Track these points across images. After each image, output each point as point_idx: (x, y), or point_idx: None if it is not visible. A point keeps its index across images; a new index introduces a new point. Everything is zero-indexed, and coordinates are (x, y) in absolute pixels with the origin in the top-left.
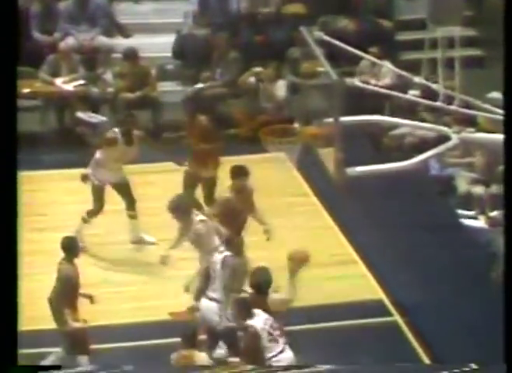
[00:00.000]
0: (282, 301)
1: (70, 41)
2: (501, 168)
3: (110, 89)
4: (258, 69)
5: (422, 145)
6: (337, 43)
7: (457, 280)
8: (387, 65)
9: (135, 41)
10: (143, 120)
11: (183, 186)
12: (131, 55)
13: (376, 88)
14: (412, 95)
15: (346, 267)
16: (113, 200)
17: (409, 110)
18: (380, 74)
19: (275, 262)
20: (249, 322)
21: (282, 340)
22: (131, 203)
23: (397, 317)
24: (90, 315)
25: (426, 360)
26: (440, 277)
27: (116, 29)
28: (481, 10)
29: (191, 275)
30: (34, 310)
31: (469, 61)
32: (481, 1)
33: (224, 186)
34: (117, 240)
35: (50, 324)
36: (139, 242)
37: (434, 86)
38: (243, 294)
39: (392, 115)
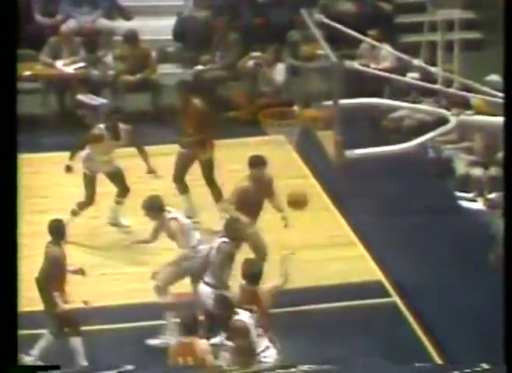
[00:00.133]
0: (272, 290)
1: (71, 24)
2: (500, 150)
3: (111, 72)
4: (256, 54)
5: (421, 128)
6: (337, 25)
7: (455, 262)
8: (387, 48)
9: (136, 24)
10: (143, 103)
11: (175, 167)
12: (131, 38)
13: (375, 71)
14: (411, 77)
15: (345, 249)
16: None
17: (408, 93)
18: (379, 58)
19: (275, 244)
20: (236, 317)
21: (266, 337)
22: (123, 191)
23: (396, 298)
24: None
25: (425, 341)
26: (439, 258)
27: (117, 11)
28: None
29: (161, 263)
30: (34, 291)
31: (468, 44)
32: None
33: (223, 169)
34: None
35: None
36: (116, 224)
37: (433, 69)
38: (224, 292)
39: (391, 98)
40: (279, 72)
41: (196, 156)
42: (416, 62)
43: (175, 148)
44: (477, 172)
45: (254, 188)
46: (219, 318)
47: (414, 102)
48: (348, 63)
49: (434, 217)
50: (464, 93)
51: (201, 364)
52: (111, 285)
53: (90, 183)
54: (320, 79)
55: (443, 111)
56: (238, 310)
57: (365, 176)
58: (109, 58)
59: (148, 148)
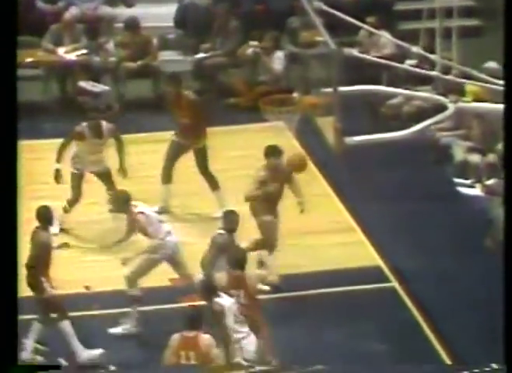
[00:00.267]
0: (260, 277)
1: (73, 11)
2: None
3: (112, 59)
4: (254, 42)
5: (420, 115)
6: (336, 12)
7: (453, 247)
8: (385, 35)
9: (137, 11)
10: (144, 89)
11: (166, 155)
12: (132, 25)
13: (374, 59)
14: (410, 64)
15: (344, 234)
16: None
17: (407, 80)
18: (379, 45)
19: None
20: (216, 300)
21: (247, 324)
22: (111, 190)
23: (394, 283)
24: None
25: (424, 325)
26: (437, 244)
27: None
28: None
29: (134, 252)
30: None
31: (467, 31)
32: None
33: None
34: None
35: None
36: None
37: (431, 56)
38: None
39: (390, 85)
40: (278, 60)
41: (189, 146)
42: (415, 49)
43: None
44: (475, 158)
45: (271, 177)
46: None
47: (413, 89)
48: (347, 50)
49: (432, 204)
50: (462, 80)
51: (205, 359)
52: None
53: (77, 181)
54: (319, 66)
55: (441, 98)
56: (222, 294)
57: (364, 162)
58: (110, 45)
59: (148, 135)
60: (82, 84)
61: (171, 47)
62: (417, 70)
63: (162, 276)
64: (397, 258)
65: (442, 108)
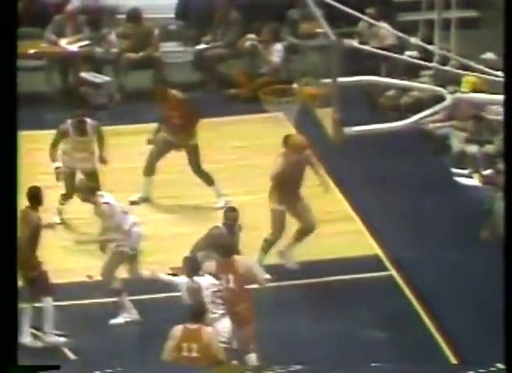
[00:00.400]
0: (247, 264)
1: (76, 2)
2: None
3: (114, 50)
4: (252, 35)
5: (418, 105)
6: (335, 4)
7: (451, 237)
8: (385, 26)
9: (139, 2)
10: (145, 80)
11: (152, 150)
12: (134, 16)
13: (373, 50)
14: (409, 56)
15: (343, 224)
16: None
17: (406, 71)
18: (378, 36)
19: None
20: (195, 278)
21: (223, 308)
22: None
23: (393, 272)
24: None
25: (422, 313)
26: (435, 233)
27: None
28: None
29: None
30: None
31: (465, 22)
32: None
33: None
34: None
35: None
36: None
37: (430, 47)
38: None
39: (389, 76)
40: (276, 53)
41: (178, 144)
42: (414, 40)
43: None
44: (472, 149)
45: (290, 167)
46: None
47: (411, 80)
48: (346, 41)
49: (430, 193)
50: (460, 71)
51: (206, 351)
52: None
53: (68, 178)
54: (319, 57)
55: (439, 89)
56: (206, 275)
57: (363, 152)
58: (112, 36)
59: (148, 125)
60: (84, 75)
61: (172, 38)
62: (416, 61)
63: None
64: (395, 247)
65: (440, 99)
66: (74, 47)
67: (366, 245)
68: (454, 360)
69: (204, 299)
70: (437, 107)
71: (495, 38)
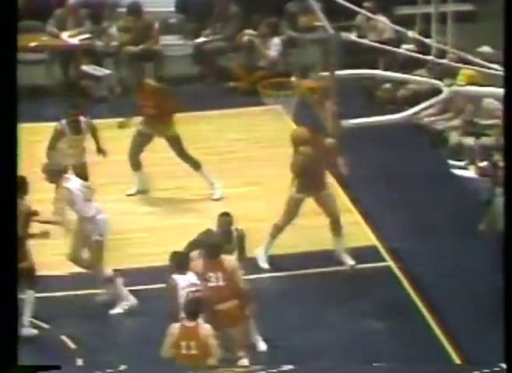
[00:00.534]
0: (234, 265)
1: None
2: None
3: (115, 43)
4: (250, 31)
5: (415, 98)
6: None
7: (447, 227)
8: (382, 20)
9: None
10: (146, 73)
11: (131, 144)
12: (135, 9)
13: (370, 43)
14: (406, 49)
15: (341, 215)
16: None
17: (403, 64)
18: (376, 29)
19: (271, 211)
20: (174, 276)
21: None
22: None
23: (390, 262)
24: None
25: (419, 302)
26: (431, 224)
27: None
28: None
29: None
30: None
31: (461, 16)
32: None
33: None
34: None
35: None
36: None
37: (427, 40)
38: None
39: (387, 69)
40: (274, 47)
41: (154, 135)
42: (411, 34)
43: (177, 117)
44: (469, 141)
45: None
46: None
47: (408, 73)
48: (344, 34)
49: (427, 185)
50: (457, 64)
51: (204, 348)
52: None
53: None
54: (317, 50)
55: (436, 82)
56: (190, 274)
57: (360, 145)
58: (113, 30)
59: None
60: (85, 68)
61: (172, 31)
62: (413, 54)
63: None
64: (392, 238)
65: (437, 91)
66: (75, 41)
67: (364, 236)
68: (450, 350)
69: (179, 299)
70: (434, 100)
71: (491, 31)
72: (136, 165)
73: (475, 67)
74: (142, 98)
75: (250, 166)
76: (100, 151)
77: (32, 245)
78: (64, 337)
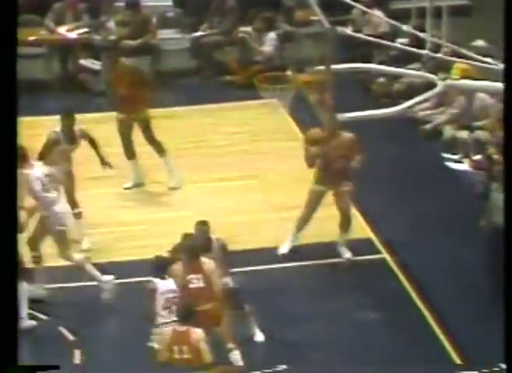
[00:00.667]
0: (213, 268)
1: None
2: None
3: (113, 37)
4: (244, 28)
5: (410, 92)
6: None
7: (442, 220)
8: (378, 14)
9: None
10: (143, 67)
11: (118, 132)
12: (132, 3)
13: (366, 37)
14: (401, 43)
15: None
16: None
17: (398, 58)
18: (372, 23)
19: (268, 204)
20: (152, 279)
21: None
22: (70, 198)
23: (385, 255)
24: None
25: (413, 294)
26: (426, 216)
27: None
28: None
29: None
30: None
31: (456, 10)
32: None
33: (221, 132)
34: None
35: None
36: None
37: (422, 35)
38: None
39: (382, 63)
40: (268, 42)
41: (132, 119)
42: (405, 28)
43: (173, 111)
44: (463, 134)
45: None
46: None
47: (403, 67)
48: (340, 29)
49: (422, 178)
50: (451, 58)
51: (196, 352)
52: None
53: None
54: (313, 44)
55: (430, 75)
56: (169, 279)
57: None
58: (111, 24)
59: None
60: (83, 62)
61: (170, 25)
62: (408, 48)
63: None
64: (387, 230)
65: (432, 85)
66: (73, 35)
67: (360, 228)
68: (445, 341)
69: (156, 302)
70: (428, 94)
71: (485, 25)
72: (130, 153)
73: (469, 61)
74: (116, 77)
75: (246, 159)
76: (104, 163)
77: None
78: (62, 328)
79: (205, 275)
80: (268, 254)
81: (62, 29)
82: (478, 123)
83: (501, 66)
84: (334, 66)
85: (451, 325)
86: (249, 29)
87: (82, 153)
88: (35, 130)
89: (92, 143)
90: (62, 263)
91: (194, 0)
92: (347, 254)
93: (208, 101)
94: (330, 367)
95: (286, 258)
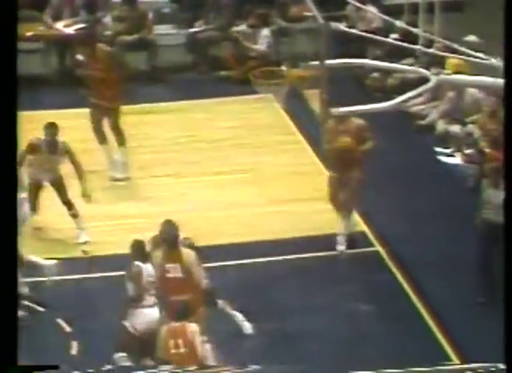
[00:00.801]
0: (191, 259)
1: None
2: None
3: (109, 32)
4: (237, 28)
5: (403, 87)
6: None
7: (434, 213)
8: (372, 10)
9: None
10: (140, 62)
11: (90, 118)
12: None
13: (359, 32)
14: (394, 38)
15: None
16: None
17: (392, 53)
18: (366, 19)
19: (263, 197)
20: (137, 262)
21: (154, 299)
22: (65, 201)
23: (378, 247)
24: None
25: (406, 285)
26: (418, 209)
27: None
28: None
29: None
30: (36, 241)
31: (448, 6)
32: None
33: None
34: None
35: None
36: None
37: (414, 30)
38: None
39: (375, 58)
40: (262, 40)
41: (102, 103)
42: (399, 23)
43: (169, 105)
44: (455, 129)
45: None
46: None
47: (397, 62)
48: (334, 24)
49: (415, 171)
50: (444, 53)
51: (191, 346)
52: None
53: (33, 191)
54: (308, 40)
55: (424, 70)
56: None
57: None
58: (108, 19)
59: (143, 106)
60: (80, 57)
61: (166, 21)
62: (401, 44)
63: None
64: (380, 223)
65: (425, 80)
66: (70, 30)
67: (353, 221)
68: (437, 332)
69: (143, 284)
70: (422, 88)
71: (477, 21)
72: (101, 138)
73: (461, 57)
74: (92, 61)
75: (241, 153)
76: (86, 195)
77: None
78: (59, 320)
79: (183, 265)
80: (263, 247)
81: (60, 25)
82: (470, 118)
83: (493, 61)
84: (328, 61)
85: (444, 318)
86: (243, 26)
87: None
88: (33, 124)
89: (72, 158)
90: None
91: None
92: (341, 246)
93: (204, 96)
94: (323, 358)
95: (284, 251)
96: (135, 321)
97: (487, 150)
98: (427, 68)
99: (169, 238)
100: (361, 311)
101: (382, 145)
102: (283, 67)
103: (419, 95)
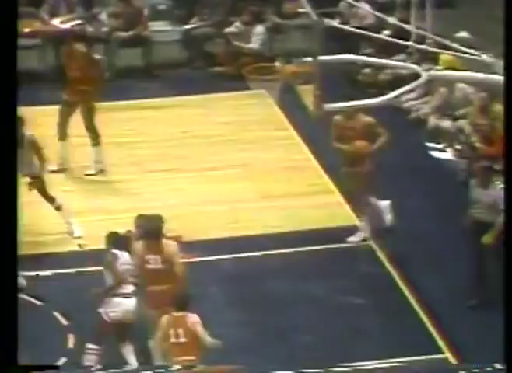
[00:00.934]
0: (173, 250)
1: None
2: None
3: (105, 29)
4: (230, 29)
5: (395, 82)
6: None
7: (425, 206)
8: (364, 7)
9: None
10: (135, 58)
11: (59, 114)
12: None
13: (352, 29)
14: (386, 35)
15: (323, 196)
16: None
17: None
18: (359, 16)
19: (257, 192)
20: (113, 250)
21: (131, 288)
22: (44, 195)
23: (371, 242)
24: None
25: (398, 279)
26: (410, 203)
27: None
28: None
29: None
30: (34, 236)
31: (440, 2)
32: None
33: (212, 122)
34: None
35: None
36: (70, 230)
37: (406, 26)
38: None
39: (368, 54)
40: (255, 37)
41: (77, 103)
42: (391, 20)
43: (164, 101)
44: (446, 124)
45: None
46: None
47: (389, 58)
48: (327, 21)
49: (407, 166)
50: (435, 50)
51: (192, 336)
52: None
53: None
54: (301, 36)
55: (415, 66)
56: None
57: None
58: (103, 16)
59: (137, 102)
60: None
61: (161, 17)
62: (393, 40)
63: None
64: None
65: (417, 76)
66: (67, 26)
67: (346, 216)
68: (428, 324)
69: (118, 272)
70: (413, 84)
71: (469, 17)
72: (63, 135)
73: (452, 53)
74: (69, 61)
75: (235, 149)
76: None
77: None
78: (56, 313)
79: (164, 257)
80: (256, 241)
81: (56, 21)
82: (461, 113)
83: (484, 57)
84: (321, 57)
85: (436, 311)
86: (237, 23)
87: None
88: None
89: (37, 150)
90: None
91: None
92: (355, 237)
93: (199, 92)
94: (315, 350)
95: (279, 245)
96: (110, 309)
97: (478, 145)
98: (419, 64)
99: (151, 229)
100: (353, 304)
101: None
102: (277, 64)
103: (411, 90)
